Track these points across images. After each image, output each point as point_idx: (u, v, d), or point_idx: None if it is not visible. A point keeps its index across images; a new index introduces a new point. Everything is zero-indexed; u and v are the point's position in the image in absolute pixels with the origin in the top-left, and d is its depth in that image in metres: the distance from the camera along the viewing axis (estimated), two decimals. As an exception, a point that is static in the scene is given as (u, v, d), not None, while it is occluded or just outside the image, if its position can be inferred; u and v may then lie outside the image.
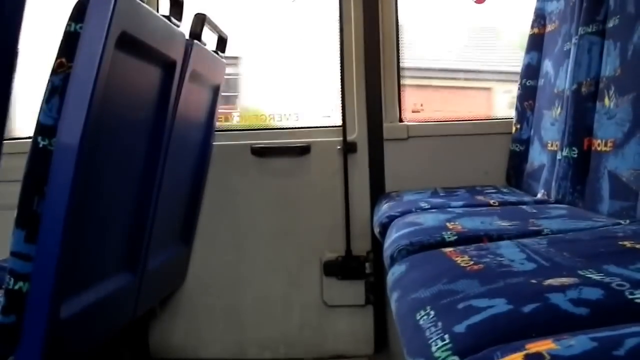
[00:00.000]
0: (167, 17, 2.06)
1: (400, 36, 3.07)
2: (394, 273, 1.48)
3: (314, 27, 3.21)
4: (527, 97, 2.87)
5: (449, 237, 1.71)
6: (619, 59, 2.01)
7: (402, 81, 3.08)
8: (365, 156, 3.01)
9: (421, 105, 3.17)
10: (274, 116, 3.20)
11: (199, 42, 2.35)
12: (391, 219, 2.17)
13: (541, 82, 2.79)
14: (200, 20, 2.39)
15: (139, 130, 2.03)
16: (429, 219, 1.97)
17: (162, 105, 2.12)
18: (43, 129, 1.54)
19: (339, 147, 2.99)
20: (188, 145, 2.56)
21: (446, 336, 0.96)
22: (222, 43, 2.77)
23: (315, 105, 3.25)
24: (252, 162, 3.01)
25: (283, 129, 3.14)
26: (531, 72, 2.86)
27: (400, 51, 3.07)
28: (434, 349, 0.95)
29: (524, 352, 0.80)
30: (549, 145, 2.54)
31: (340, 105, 3.02)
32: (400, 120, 3.06)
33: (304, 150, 3.00)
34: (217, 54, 2.73)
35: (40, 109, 1.55)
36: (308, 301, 3.06)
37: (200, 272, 3.04)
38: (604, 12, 2.14)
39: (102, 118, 1.62)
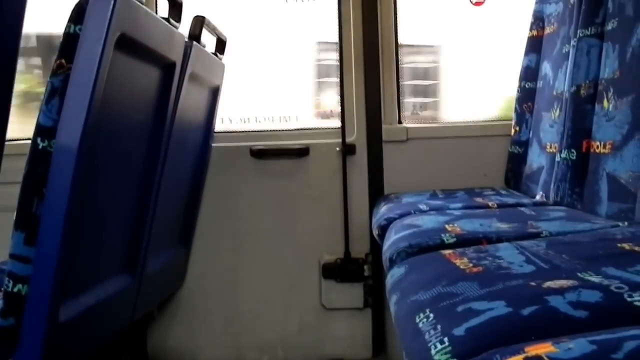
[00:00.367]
0: (166, 19, 2.06)
1: (399, 37, 3.07)
2: (393, 275, 1.48)
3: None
4: (526, 99, 2.87)
5: (448, 240, 1.71)
6: (617, 61, 2.01)
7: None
8: (364, 158, 3.01)
9: (420, 106, 3.16)
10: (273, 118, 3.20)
11: (198, 44, 2.35)
12: (390, 221, 2.17)
13: (540, 84, 2.79)
14: (199, 22, 2.39)
15: (138, 131, 2.03)
16: (427, 221, 1.97)
17: (162, 107, 2.12)
18: (43, 130, 1.54)
19: (338, 149, 2.99)
20: (187, 146, 2.56)
21: (445, 339, 0.96)
22: (221, 45, 2.77)
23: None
24: (251, 164, 3.01)
25: (282, 130, 3.14)
26: (530, 74, 2.86)
27: (399, 52, 3.07)
28: (433, 352, 0.95)
29: (523, 355, 0.80)
30: (548, 147, 2.54)
31: (340, 107, 3.01)
32: (400, 122, 3.06)
33: (303, 152, 3.00)
34: (217, 55, 2.72)
35: (40, 110, 1.55)
36: (306, 304, 3.05)
37: (198, 274, 3.04)
38: (602, 14, 2.14)
39: (102, 119, 1.62)
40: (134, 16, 1.72)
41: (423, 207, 2.33)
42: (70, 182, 1.54)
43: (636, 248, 1.38)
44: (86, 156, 1.56)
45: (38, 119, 1.54)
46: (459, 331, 0.97)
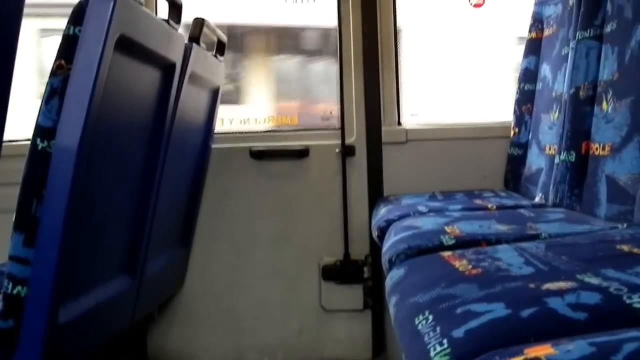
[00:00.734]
0: (166, 21, 2.07)
1: (398, 39, 3.07)
2: (393, 277, 1.48)
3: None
4: (525, 101, 2.87)
5: (447, 241, 1.72)
6: (616, 63, 2.02)
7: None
8: (364, 159, 3.01)
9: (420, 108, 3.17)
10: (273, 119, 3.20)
11: (197, 45, 2.35)
12: (389, 222, 2.17)
13: (539, 86, 2.79)
14: (199, 24, 2.39)
15: (138, 132, 2.03)
16: (427, 223, 1.97)
17: (161, 108, 2.12)
18: (42, 131, 1.54)
19: (337, 151, 2.99)
20: (187, 148, 2.56)
21: (445, 341, 0.96)
22: (221, 46, 2.77)
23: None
24: (251, 165, 3.01)
25: (281, 131, 3.14)
26: (529, 76, 2.87)
27: (398, 54, 3.07)
28: (432, 354, 0.95)
29: (523, 357, 0.80)
30: (547, 149, 2.54)
31: (339, 108, 3.01)
32: (399, 123, 3.06)
33: (303, 153, 3.00)
34: (216, 56, 2.72)
35: (40, 110, 1.55)
36: (306, 306, 3.05)
37: (198, 276, 3.04)
38: (601, 16, 2.14)
39: (101, 120, 1.62)
40: (133, 17, 1.72)
41: (422, 208, 2.33)
42: (70, 183, 1.53)
43: (635, 250, 1.38)
44: (86, 157, 1.56)
45: (37, 119, 1.54)
46: (458, 333, 0.97)
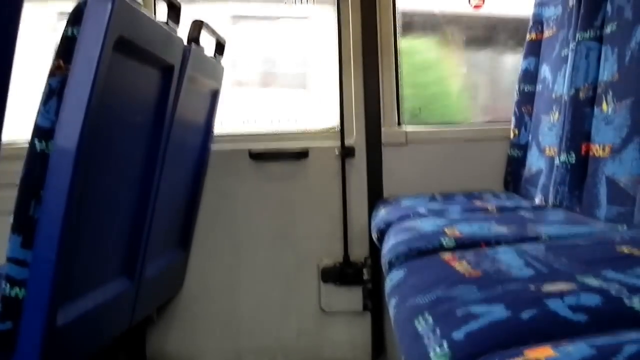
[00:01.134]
0: (165, 22, 2.06)
1: (398, 40, 3.07)
2: (392, 279, 1.48)
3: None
4: (525, 102, 2.86)
5: (447, 243, 1.71)
6: (616, 64, 2.01)
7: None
8: (364, 161, 3.00)
9: (419, 109, 3.16)
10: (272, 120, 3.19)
11: (196, 47, 2.34)
12: (389, 224, 2.16)
13: (539, 87, 2.79)
14: (198, 26, 2.39)
15: (137, 134, 2.03)
16: (426, 225, 1.96)
17: (160, 109, 2.11)
18: (40, 131, 1.53)
19: (337, 152, 2.98)
20: (186, 149, 2.56)
21: (444, 343, 0.96)
22: (220, 48, 2.77)
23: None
24: (250, 167, 3.01)
25: (281, 133, 3.13)
26: (529, 77, 2.86)
27: (398, 55, 3.07)
28: (432, 355, 0.95)
29: (523, 359, 0.80)
30: (547, 150, 2.54)
31: (339, 109, 3.01)
32: (399, 125, 3.06)
33: (302, 154, 3.00)
34: (216, 58, 2.72)
35: (38, 111, 1.54)
36: (305, 308, 3.05)
37: (197, 278, 3.03)
38: (601, 17, 2.14)
39: (100, 121, 1.61)
40: (132, 19, 1.71)
41: (422, 210, 2.33)
42: (68, 185, 1.53)
43: (635, 251, 1.38)
44: (84, 158, 1.56)
45: (35, 120, 1.54)
46: (458, 335, 0.97)
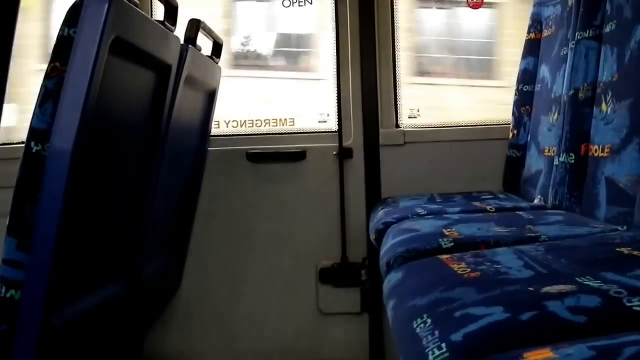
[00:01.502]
0: (161, 22, 2.05)
1: (396, 40, 3.06)
2: (390, 280, 1.47)
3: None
4: (524, 102, 2.86)
5: (446, 244, 1.71)
6: (616, 64, 2.01)
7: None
8: (362, 162, 3.00)
9: (417, 110, 3.15)
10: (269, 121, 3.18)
11: (193, 47, 2.34)
12: (387, 225, 2.15)
13: (538, 87, 2.78)
14: (195, 26, 2.38)
15: (133, 135, 2.02)
16: (425, 226, 1.96)
17: (157, 110, 2.11)
18: (36, 133, 1.53)
19: (334, 153, 2.98)
20: (183, 150, 2.55)
21: (443, 345, 0.95)
22: (217, 48, 2.76)
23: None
24: (248, 168, 3.00)
25: (278, 134, 3.12)
26: (528, 77, 2.86)
27: (396, 56, 3.06)
28: (430, 358, 0.94)
29: (522, 361, 0.79)
30: (546, 150, 2.53)
31: (336, 110, 3.00)
32: (397, 125, 3.05)
33: (300, 155, 2.99)
34: (213, 59, 2.71)
35: (34, 113, 1.54)
36: (303, 309, 3.04)
37: (194, 280, 3.03)
38: (600, 17, 2.13)
39: (96, 123, 1.60)
40: (128, 19, 1.71)
41: (420, 211, 2.32)
42: (64, 187, 1.52)
43: (635, 252, 1.37)
44: (80, 160, 1.55)
45: (31, 122, 1.53)
46: (456, 337, 0.96)
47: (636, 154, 1.83)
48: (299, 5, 3.10)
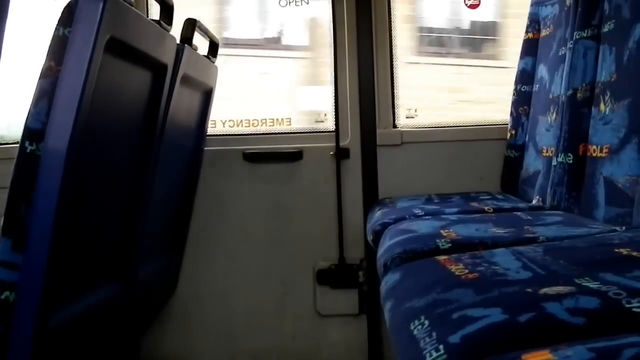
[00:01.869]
0: (157, 22, 2.05)
1: (393, 40, 3.05)
2: (388, 282, 1.47)
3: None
4: (522, 102, 2.86)
5: (443, 245, 1.70)
6: (614, 64, 2.00)
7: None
8: (359, 162, 2.99)
9: (415, 110, 3.14)
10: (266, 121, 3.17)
11: (189, 46, 2.33)
12: (384, 226, 2.15)
13: (536, 87, 2.78)
14: (191, 25, 2.37)
15: (129, 135, 2.02)
16: (423, 226, 1.95)
17: (153, 110, 2.10)
18: (31, 133, 1.52)
19: (331, 153, 2.97)
20: (179, 150, 2.54)
21: (441, 347, 0.95)
22: (213, 48, 2.76)
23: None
24: (244, 168, 2.99)
25: (275, 134, 3.11)
26: (526, 77, 2.85)
27: (394, 56, 3.05)
28: (428, 359, 0.94)
29: (520, 363, 0.78)
30: (544, 151, 2.53)
31: (334, 110, 3.00)
32: (394, 126, 3.04)
33: (297, 155, 2.98)
34: (209, 58, 2.71)
35: (28, 113, 1.53)
36: (301, 310, 3.03)
37: (191, 281, 3.02)
38: (599, 16, 2.13)
39: (91, 123, 1.60)
40: (123, 19, 1.70)
41: (418, 212, 2.31)
42: (59, 187, 1.52)
43: (634, 253, 1.36)
44: (75, 160, 1.55)
45: (26, 121, 1.52)
46: (454, 338, 0.95)
47: (635, 154, 1.82)
48: (296, 5, 3.10)
